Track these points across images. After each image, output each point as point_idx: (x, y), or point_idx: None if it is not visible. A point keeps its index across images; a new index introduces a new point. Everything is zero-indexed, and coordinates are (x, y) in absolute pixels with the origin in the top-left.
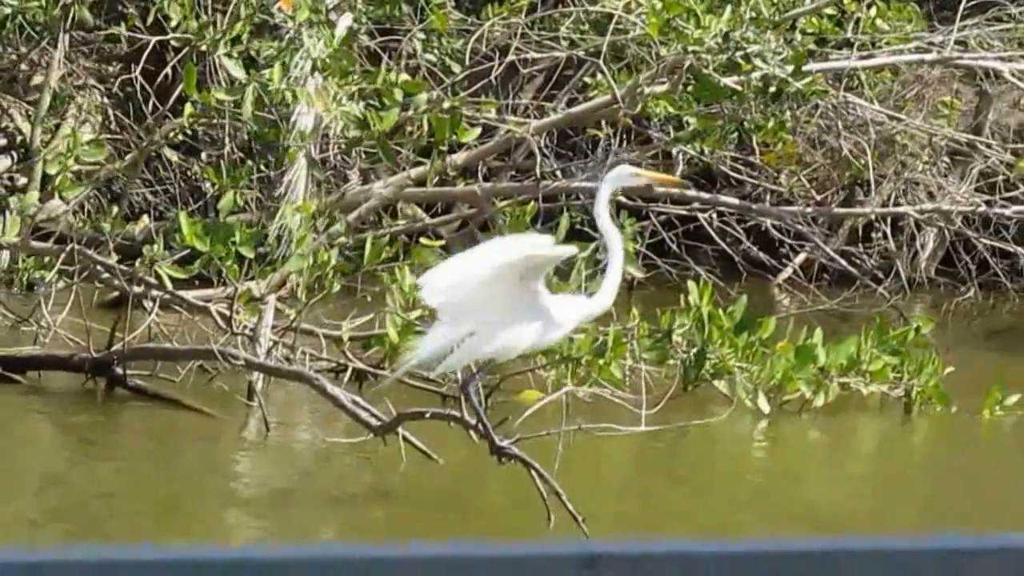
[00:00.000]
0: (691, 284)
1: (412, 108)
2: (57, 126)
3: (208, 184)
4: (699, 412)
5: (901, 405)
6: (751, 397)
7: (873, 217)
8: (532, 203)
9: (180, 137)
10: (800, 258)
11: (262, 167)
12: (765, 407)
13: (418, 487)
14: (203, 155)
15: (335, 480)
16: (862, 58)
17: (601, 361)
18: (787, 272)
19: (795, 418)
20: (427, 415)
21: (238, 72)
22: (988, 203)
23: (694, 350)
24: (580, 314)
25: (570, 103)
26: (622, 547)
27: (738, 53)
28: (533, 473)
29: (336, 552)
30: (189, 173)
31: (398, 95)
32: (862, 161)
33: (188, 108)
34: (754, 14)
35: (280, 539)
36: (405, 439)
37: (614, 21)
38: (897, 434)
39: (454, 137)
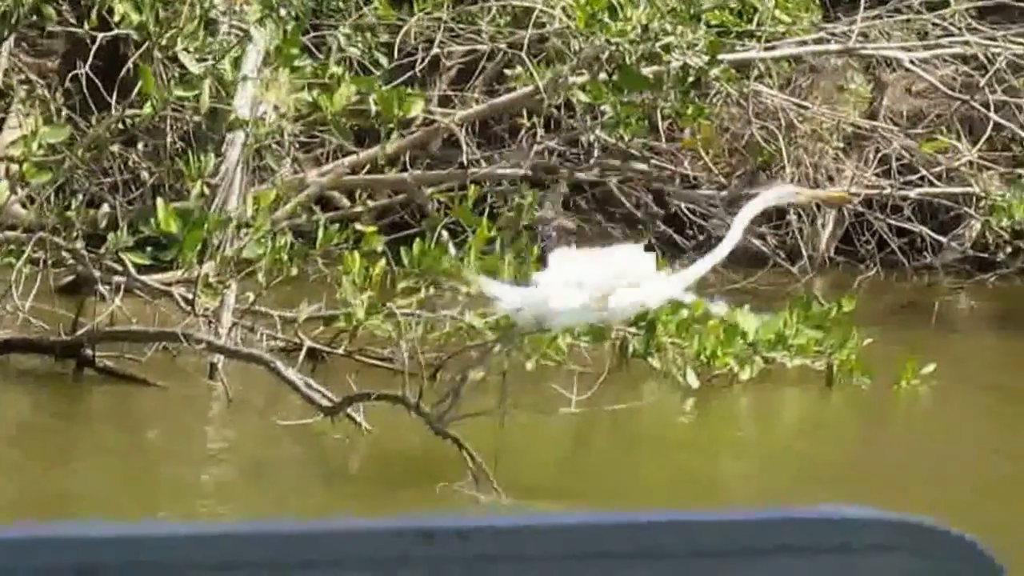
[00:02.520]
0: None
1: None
2: (1, 120)
3: (146, 173)
4: (631, 388)
5: (822, 377)
6: (681, 373)
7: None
8: (474, 189)
9: (120, 127)
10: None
11: (200, 157)
12: (694, 382)
13: (368, 465)
14: (140, 145)
15: (293, 457)
16: (767, 49)
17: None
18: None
19: (724, 392)
20: (373, 396)
21: (195, 67)
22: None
23: (642, 323)
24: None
25: (489, 94)
26: (459, 521)
27: (657, 44)
28: (465, 453)
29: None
30: (129, 163)
31: (345, 89)
32: (773, 147)
33: (147, 105)
34: (671, 6)
35: (239, 514)
36: (351, 418)
37: (534, 14)
38: (818, 406)
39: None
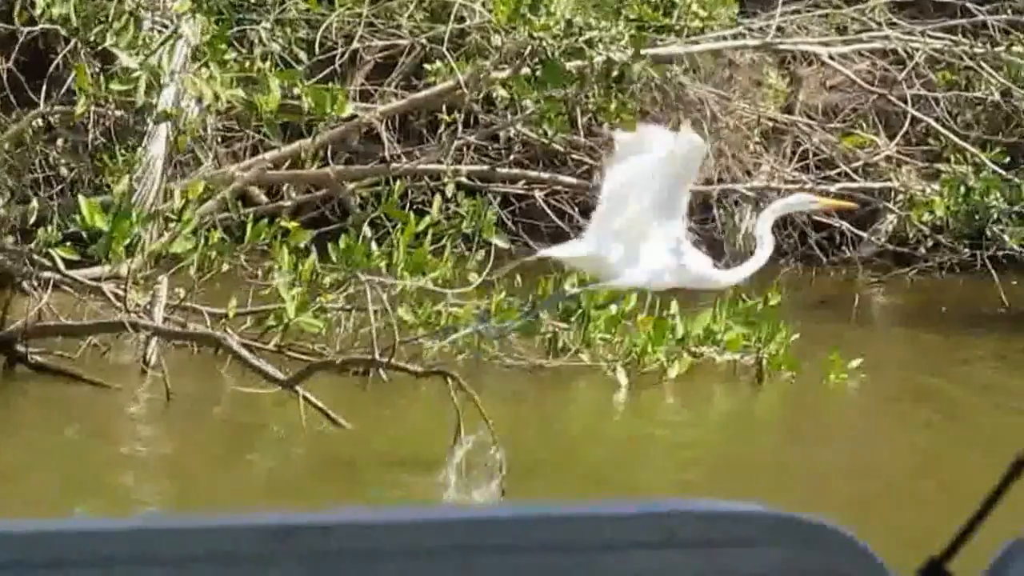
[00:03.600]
0: None
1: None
2: None
3: (65, 169)
4: (563, 383)
5: (752, 372)
6: (611, 369)
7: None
8: (400, 185)
9: (39, 123)
10: None
11: (123, 152)
12: (624, 379)
13: (312, 453)
14: (60, 142)
15: (233, 447)
16: (688, 44)
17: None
18: None
19: (654, 388)
20: (339, 362)
21: (131, 61)
22: (810, 180)
23: (574, 317)
24: (710, 274)
25: (408, 89)
26: (317, 518)
27: (581, 39)
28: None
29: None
30: (50, 159)
31: (274, 82)
32: None
33: (82, 100)
34: (594, 0)
35: (181, 507)
36: (308, 401)
37: (455, 9)
38: (747, 401)
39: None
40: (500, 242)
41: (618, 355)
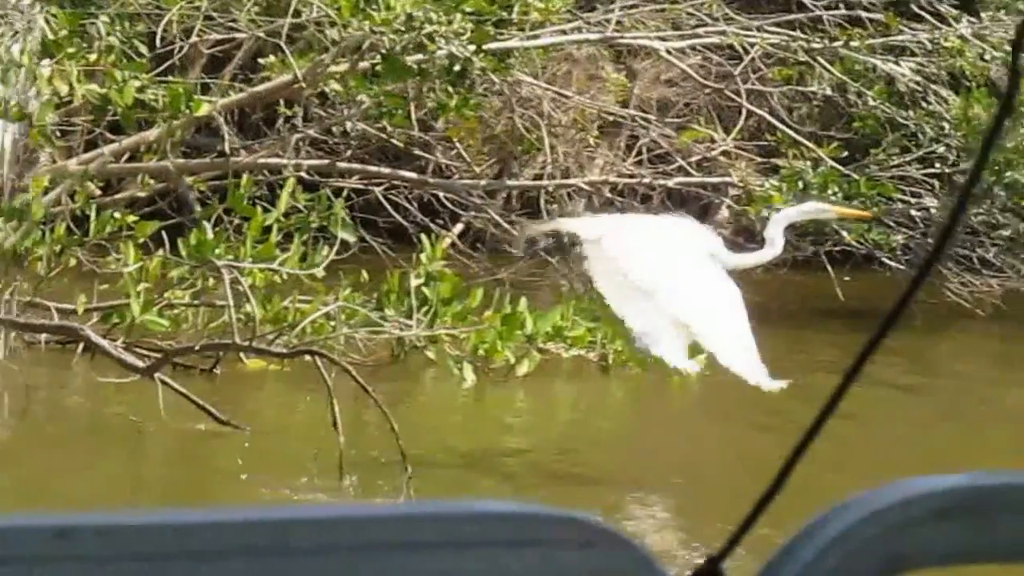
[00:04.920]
0: (426, 242)
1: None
2: None
3: None
4: (412, 378)
5: (598, 368)
6: (458, 366)
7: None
8: (247, 179)
9: None
10: (458, 228)
11: None
12: (470, 376)
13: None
14: None
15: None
16: (528, 38)
17: (332, 324)
18: (447, 241)
19: (502, 384)
20: (196, 347)
21: None
22: (649, 175)
23: (424, 311)
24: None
25: (246, 82)
26: (94, 518)
27: (422, 33)
28: None
29: None
30: None
31: (121, 76)
32: (534, 135)
33: None
34: None
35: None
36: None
37: (293, 3)
38: (591, 395)
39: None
40: (348, 236)
41: (465, 351)
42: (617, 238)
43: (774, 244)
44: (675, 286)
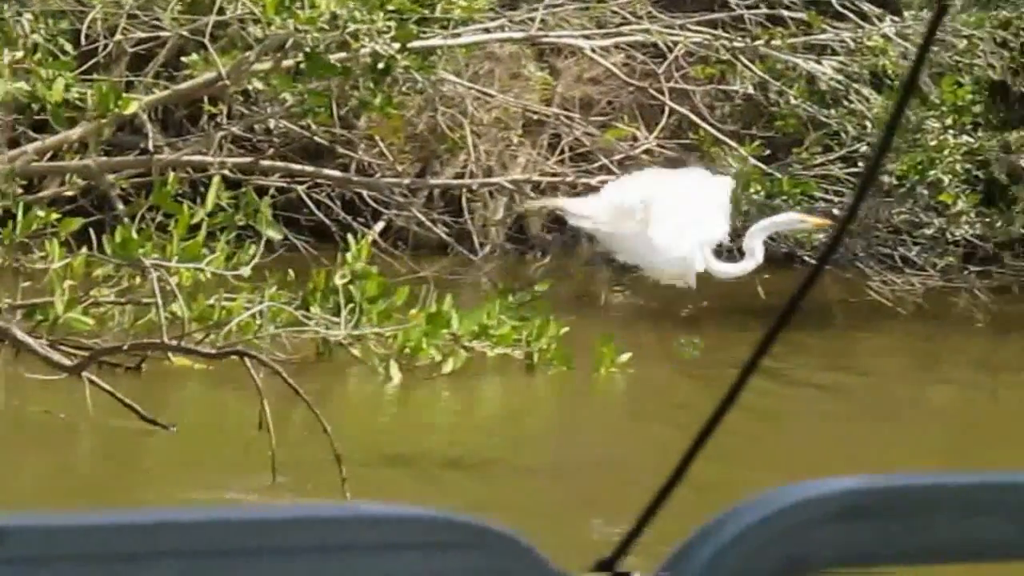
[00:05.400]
0: (351, 241)
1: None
2: None
3: None
4: (338, 376)
5: (523, 365)
6: (384, 365)
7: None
8: (173, 177)
9: None
10: (379, 225)
11: None
12: (396, 374)
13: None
14: None
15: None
16: (451, 36)
17: (258, 323)
18: (368, 238)
19: (428, 382)
20: (124, 347)
21: None
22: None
23: (349, 309)
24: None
25: (169, 80)
26: (28, 520)
27: (346, 31)
28: None
29: None
30: None
31: (46, 73)
32: (458, 134)
33: None
34: None
35: None
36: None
37: (218, 1)
38: (517, 393)
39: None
40: (274, 234)
41: (391, 349)
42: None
43: (754, 255)
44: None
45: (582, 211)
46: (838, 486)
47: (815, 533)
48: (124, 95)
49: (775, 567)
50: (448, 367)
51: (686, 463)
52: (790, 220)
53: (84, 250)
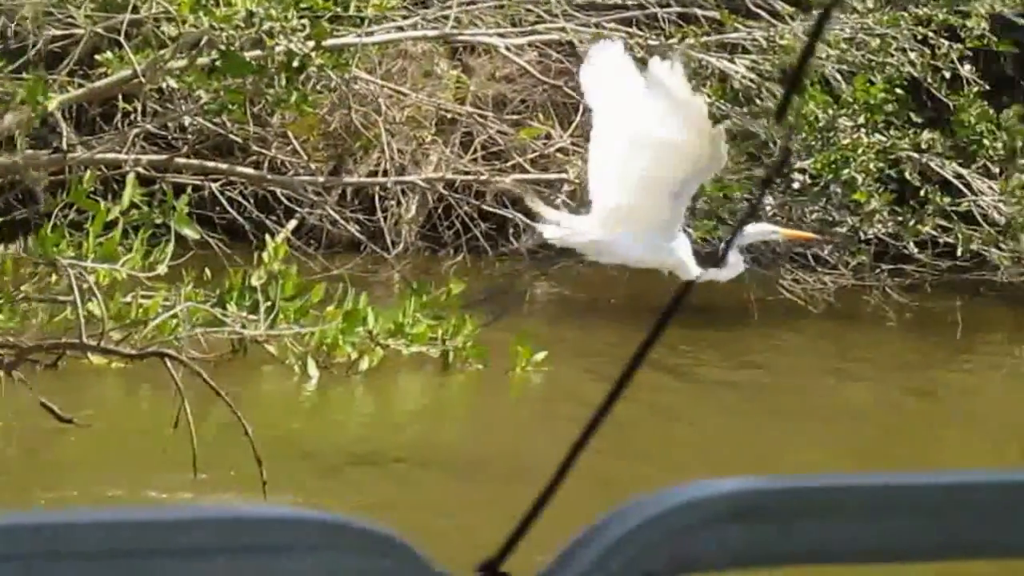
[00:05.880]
0: (268, 241)
1: None
2: None
3: None
4: (254, 374)
5: (439, 364)
6: (300, 362)
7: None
8: (89, 172)
9: None
10: (292, 224)
11: None
12: (314, 371)
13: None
14: None
15: None
16: (365, 34)
17: (175, 322)
18: (281, 236)
19: (344, 380)
20: (46, 346)
21: None
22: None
23: (263, 306)
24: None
25: (84, 78)
26: None
27: (261, 29)
28: None
29: None
30: None
31: None
32: (372, 132)
33: None
34: None
35: None
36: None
37: None
38: (432, 391)
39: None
40: (190, 233)
41: (307, 347)
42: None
43: (733, 264)
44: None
45: (577, 228)
46: (725, 487)
47: (701, 534)
48: (47, 92)
49: (661, 568)
50: (364, 365)
51: (567, 465)
52: (763, 231)
53: (11, 248)
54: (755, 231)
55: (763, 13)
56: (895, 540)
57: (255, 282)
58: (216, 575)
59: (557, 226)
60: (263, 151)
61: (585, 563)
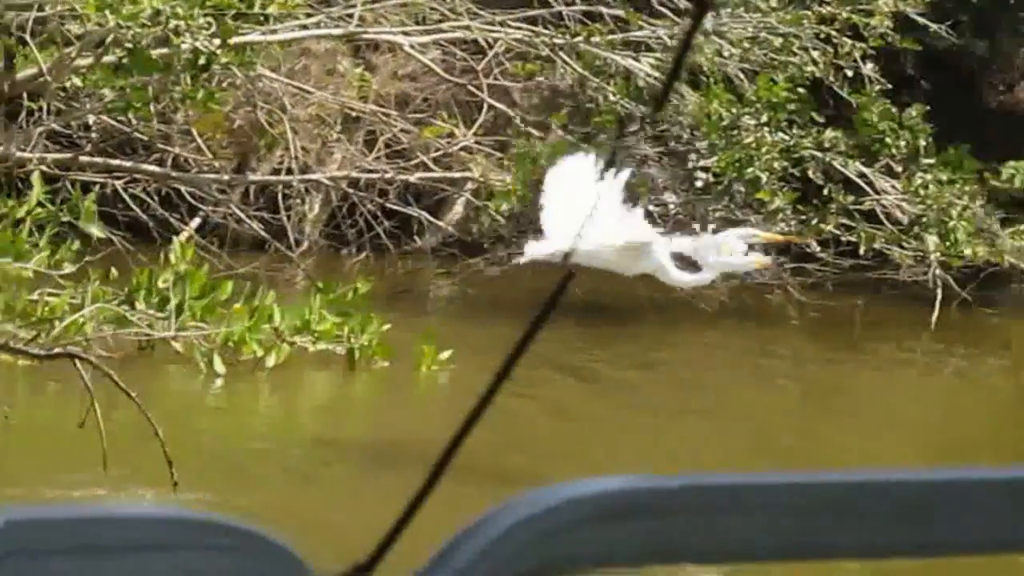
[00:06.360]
0: (175, 242)
1: None
2: None
3: None
4: (158, 371)
5: (346, 362)
6: (207, 359)
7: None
8: None
9: None
10: (196, 222)
11: None
12: (220, 368)
13: None
14: None
15: None
16: (269, 32)
17: (83, 322)
18: (184, 234)
19: (251, 377)
20: None
21: None
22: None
23: (171, 305)
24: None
25: None
26: None
27: (168, 27)
28: None
29: None
30: None
31: None
32: (278, 130)
33: None
34: None
35: None
36: None
37: None
38: (339, 389)
39: None
40: (96, 232)
41: (214, 344)
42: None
43: (712, 267)
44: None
45: (594, 253)
46: (600, 486)
47: (575, 534)
48: None
49: (535, 569)
50: (271, 362)
51: (442, 466)
52: (742, 235)
53: None
54: (738, 234)
55: (667, 11)
56: (765, 539)
57: (162, 284)
58: (79, 574)
59: (544, 242)
60: (167, 149)
61: (457, 565)
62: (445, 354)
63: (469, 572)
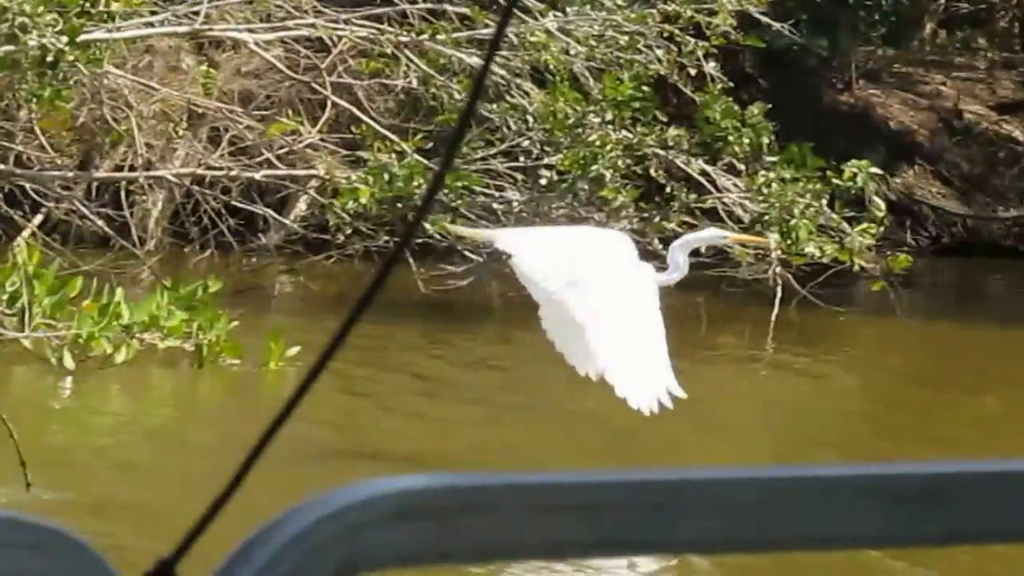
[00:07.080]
0: (20, 241)
1: None
2: None
3: None
4: (5, 370)
5: (194, 358)
6: (57, 355)
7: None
8: None
9: None
10: (38, 218)
11: None
12: (70, 364)
13: None
14: None
15: None
16: (115, 30)
17: None
18: (27, 231)
19: (99, 375)
20: None
21: None
22: (237, 167)
23: (21, 303)
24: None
25: None
26: None
27: (15, 24)
28: None
29: None
30: None
31: None
32: (124, 127)
33: None
34: None
35: None
36: None
37: None
38: (187, 386)
39: None
40: None
41: (64, 340)
42: (523, 253)
43: (680, 268)
44: (578, 289)
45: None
46: (402, 484)
47: (374, 532)
48: None
49: (333, 567)
50: (120, 358)
51: (250, 462)
52: (712, 235)
53: None
54: (706, 236)
55: (515, 10)
56: (564, 536)
57: (10, 288)
58: None
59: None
60: (9, 145)
61: (258, 562)
62: (293, 350)
63: (268, 570)
